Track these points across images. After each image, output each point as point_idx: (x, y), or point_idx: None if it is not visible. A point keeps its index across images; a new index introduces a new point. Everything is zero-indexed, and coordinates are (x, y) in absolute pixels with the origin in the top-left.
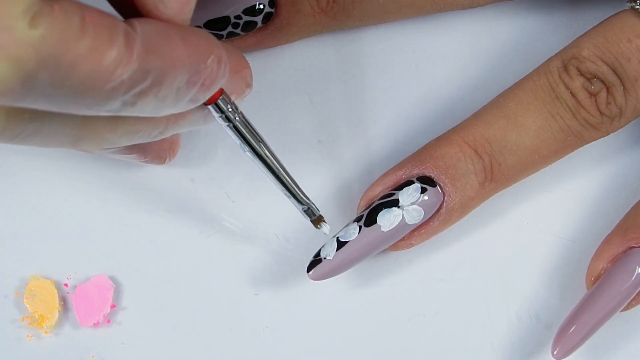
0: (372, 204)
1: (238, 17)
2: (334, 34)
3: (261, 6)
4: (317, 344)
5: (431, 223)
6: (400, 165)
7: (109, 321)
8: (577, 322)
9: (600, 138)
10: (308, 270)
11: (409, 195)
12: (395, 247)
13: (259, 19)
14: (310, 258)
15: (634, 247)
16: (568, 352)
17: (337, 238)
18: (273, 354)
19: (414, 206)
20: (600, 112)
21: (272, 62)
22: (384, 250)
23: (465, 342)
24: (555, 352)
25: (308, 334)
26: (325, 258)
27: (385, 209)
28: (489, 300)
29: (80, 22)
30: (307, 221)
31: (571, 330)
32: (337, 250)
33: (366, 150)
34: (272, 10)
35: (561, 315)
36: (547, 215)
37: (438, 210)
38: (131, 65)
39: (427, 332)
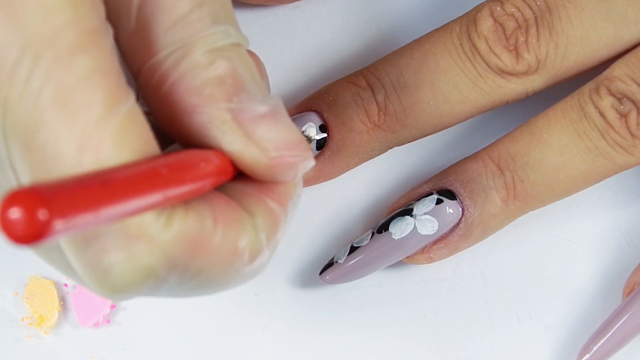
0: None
1: None
2: (345, 37)
3: (311, 129)
4: (317, 344)
5: (450, 237)
6: (427, 180)
7: (108, 321)
8: (606, 334)
9: (637, 165)
10: (320, 273)
11: (424, 206)
12: (413, 259)
13: (312, 145)
14: (312, 259)
15: None
16: None
17: (352, 244)
18: (273, 354)
19: (427, 216)
20: (631, 134)
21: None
22: (402, 262)
23: (465, 342)
24: None
25: (308, 334)
26: (337, 262)
27: (399, 217)
28: (489, 300)
29: (212, 223)
30: (306, 221)
31: (600, 342)
32: (348, 254)
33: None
34: (325, 135)
35: (561, 316)
36: (547, 215)
37: (457, 224)
38: (260, 256)
39: (427, 332)
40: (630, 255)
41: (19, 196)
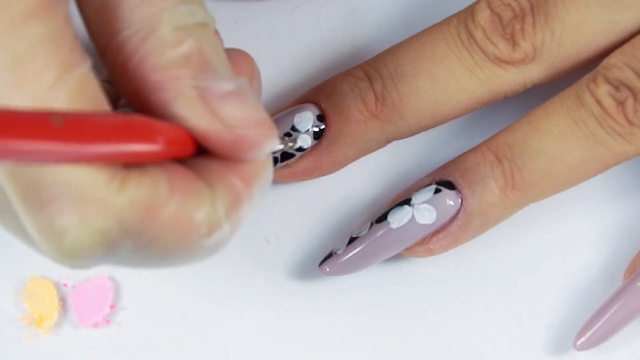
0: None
1: (288, 134)
2: (343, 43)
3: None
4: (317, 344)
5: (449, 228)
6: (427, 175)
7: (108, 321)
8: (606, 314)
9: (636, 155)
10: (320, 265)
11: (422, 195)
12: (413, 251)
13: (309, 136)
14: (313, 259)
15: None
16: (593, 344)
17: (351, 235)
18: (273, 354)
19: (425, 205)
20: (629, 121)
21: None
22: (403, 260)
23: (465, 342)
24: (579, 343)
25: (308, 334)
26: (336, 253)
27: (397, 207)
28: (489, 300)
29: (168, 190)
30: (307, 221)
31: (599, 323)
32: (347, 245)
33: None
34: (322, 124)
35: (561, 315)
36: (547, 214)
37: (456, 215)
38: (218, 231)
39: (427, 332)
40: (631, 255)
41: None
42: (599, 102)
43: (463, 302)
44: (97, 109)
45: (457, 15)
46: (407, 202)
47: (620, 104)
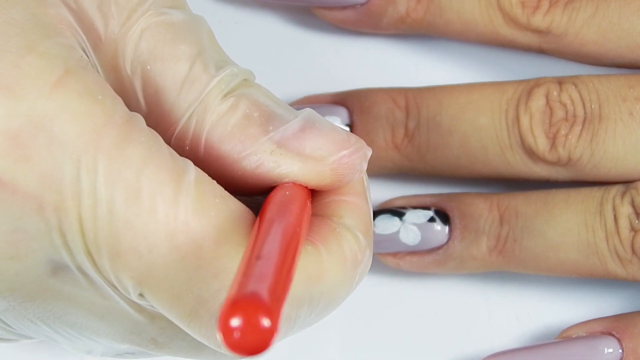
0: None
1: None
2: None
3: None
4: (317, 343)
5: (425, 257)
6: (432, 195)
7: None
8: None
9: (625, 280)
10: None
11: (416, 216)
12: (383, 257)
13: None
14: None
15: (613, 335)
16: None
17: None
18: (273, 354)
19: (414, 227)
20: (633, 250)
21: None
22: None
23: (465, 342)
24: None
25: (307, 334)
26: None
27: (389, 215)
28: (489, 300)
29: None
30: None
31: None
32: None
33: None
34: (348, 130)
35: (561, 316)
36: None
37: (438, 249)
38: (367, 254)
39: (427, 332)
40: None
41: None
42: (616, 219)
43: (463, 302)
44: (223, 199)
45: (515, 86)
46: (399, 214)
47: (634, 231)
